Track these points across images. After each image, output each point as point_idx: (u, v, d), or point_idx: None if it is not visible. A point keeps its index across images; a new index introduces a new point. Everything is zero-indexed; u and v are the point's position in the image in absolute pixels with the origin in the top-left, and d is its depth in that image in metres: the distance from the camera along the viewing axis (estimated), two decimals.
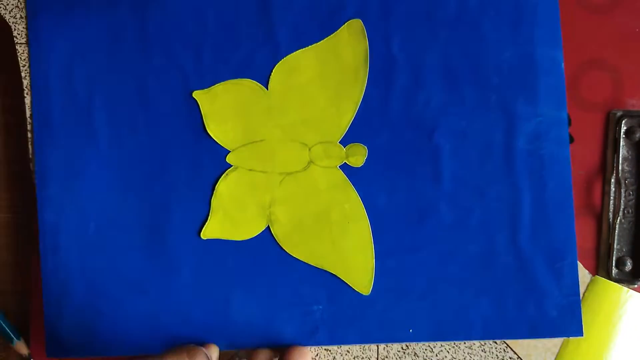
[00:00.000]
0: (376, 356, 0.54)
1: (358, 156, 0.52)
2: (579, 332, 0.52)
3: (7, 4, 0.55)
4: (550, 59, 0.52)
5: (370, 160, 0.52)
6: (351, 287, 0.52)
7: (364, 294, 0.52)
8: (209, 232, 0.52)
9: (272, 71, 0.53)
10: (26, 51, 0.54)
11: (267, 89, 0.52)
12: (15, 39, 0.54)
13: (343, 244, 0.52)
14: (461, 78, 0.53)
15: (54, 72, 0.53)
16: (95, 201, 0.53)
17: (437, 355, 0.54)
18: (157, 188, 0.53)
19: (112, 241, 0.53)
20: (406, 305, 0.52)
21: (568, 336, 0.52)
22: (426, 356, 0.54)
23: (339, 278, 0.52)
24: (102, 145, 0.53)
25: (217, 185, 0.52)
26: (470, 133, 0.52)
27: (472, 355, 0.53)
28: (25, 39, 0.54)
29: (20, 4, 0.54)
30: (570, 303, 0.52)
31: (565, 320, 0.52)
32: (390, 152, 0.53)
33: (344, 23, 0.53)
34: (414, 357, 0.54)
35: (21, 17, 0.54)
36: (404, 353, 0.54)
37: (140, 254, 0.53)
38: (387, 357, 0.54)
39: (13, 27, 0.54)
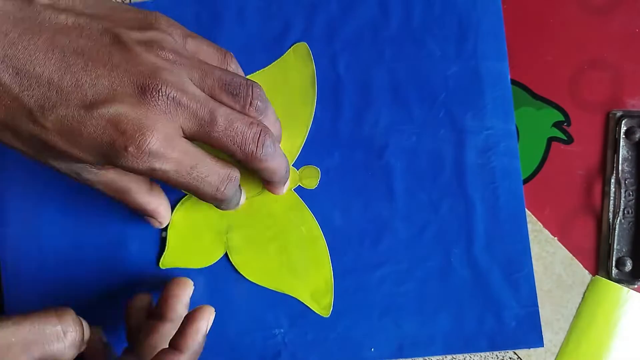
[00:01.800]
0: None
1: (311, 178, 0.52)
2: (539, 342, 0.52)
3: None
4: (496, 72, 0.53)
5: (323, 182, 0.53)
6: (312, 310, 0.52)
7: (324, 315, 0.52)
8: (167, 261, 0.53)
9: None
10: None
11: None
12: None
13: (301, 267, 0.52)
14: (408, 95, 0.53)
15: None
16: (52, 238, 0.53)
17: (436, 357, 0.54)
18: (113, 220, 0.53)
19: (71, 278, 0.53)
20: (367, 324, 0.52)
21: (528, 347, 0.52)
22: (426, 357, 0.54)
23: (299, 301, 0.52)
24: (56, 180, 0.53)
25: (172, 215, 0.53)
26: (421, 149, 0.53)
27: (472, 356, 0.53)
28: None
29: None
30: (528, 314, 0.52)
31: (525, 331, 0.52)
32: (343, 172, 0.53)
33: (290, 47, 0.53)
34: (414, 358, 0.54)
35: None
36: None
37: (99, 288, 0.53)
38: None
39: None
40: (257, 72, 0.53)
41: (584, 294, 0.53)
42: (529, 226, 0.53)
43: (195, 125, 0.41)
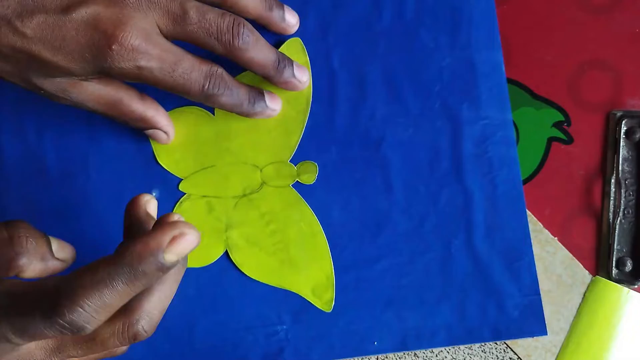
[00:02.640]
0: (375, 357, 0.54)
1: (309, 174, 0.53)
2: (542, 331, 0.52)
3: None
4: (490, 62, 0.53)
5: (321, 177, 0.53)
6: (314, 305, 0.52)
7: (326, 311, 0.52)
8: None
9: None
10: None
11: (214, 115, 0.53)
12: None
13: (302, 263, 0.52)
14: (403, 88, 0.53)
15: (3, 118, 0.54)
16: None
17: (437, 356, 0.54)
18: (113, 222, 0.53)
19: None
20: (369, 318, 0.52)
21: (532, 336, 0.52)
22: (426, 356, 0.54)
23: (301, 297, 0.52)
24: (54, 184, 0.53)
25: None
26: (417, 141, 0.53)
27: (472, 356, 0.54)
28: None
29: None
30: (530, 302, 0.52)
31: (528, 320, 0.52)
32: (341, 167, 0.53)
33: (283, 43, 0.53)
34: (413, 358, 0.54)
35: None
36: (404, 353, 0.54)
37: None
38: (386, 357, 0.54)
39: None
40: None
41: (584, 295, 0.53)
42: (529, 226, 0.53)
43: (169, 21, 0.43)
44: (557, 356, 0.53)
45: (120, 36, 0.40)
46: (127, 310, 0.38)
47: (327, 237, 0.52)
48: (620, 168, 0.53)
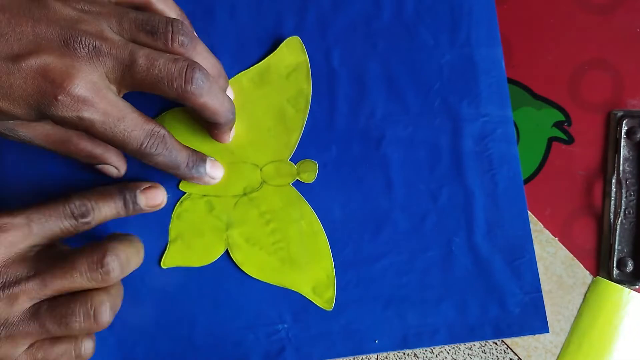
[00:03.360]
0: (375, 357, 0.54)
1: (309, 172, 0.53)
2: (544, 328, 0.52)
3: None
4: (490, 59, 0.53)
5: (321, 175, 0.53)
6: (315, 304, 0.52)
7: (327, 309, 0.52)
8: (168, 261, 0.53)
9: None
10: None
11: None
12: None
13: (303, 261, 0.52)
14: (403, 86, 0.53)
15: None
16: None
17: (437, 357, 0.54)
18: (113, 222, 0.53)
19: None
20: (370, 316, 0.52)
21: (534, 333, 0.52)
22: (426, 357, 0.54)
23: (302, 295, 0.52)
24: (54, 183, 0.53)
25: (172, 214, 0.53)
26: (417, 139, 0.53)
27: (472, 357, 0.54)
28: None
29: None
30: (532, 300, 0.52)
31: (529, 317, 0.52)
32: (341, 165, 0.53)
33: (283, 42, 0.53)
34: (413, 358, 0.54)
35: None
36: (404, 354, 0.54)
37: None
38: (386, 357, 0.54)
39: None
40: (251, 67, 0.53)
41: (585, 295, 0.53)
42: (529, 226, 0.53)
43: (118, 70, 0.42)
44: (557, 357, 0.53)
45: (68, 87, 0.40)
46: (100, 247, 0.45)
47: (327, 236, 0.52)
48: (621, 168, 0.53)
